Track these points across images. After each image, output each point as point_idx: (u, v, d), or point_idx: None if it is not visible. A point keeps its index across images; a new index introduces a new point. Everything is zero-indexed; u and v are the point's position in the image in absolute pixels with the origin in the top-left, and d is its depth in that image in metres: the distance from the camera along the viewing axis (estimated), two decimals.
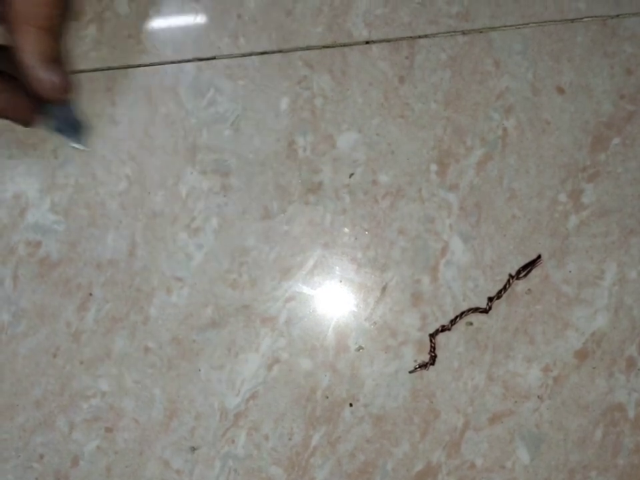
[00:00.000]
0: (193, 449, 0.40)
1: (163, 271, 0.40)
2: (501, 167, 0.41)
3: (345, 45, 0.41)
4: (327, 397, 0.40)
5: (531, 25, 0.41)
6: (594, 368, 0.40)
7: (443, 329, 0.39)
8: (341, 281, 0.41)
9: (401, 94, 0.41)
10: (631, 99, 0.41)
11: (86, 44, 0.41)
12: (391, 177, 0.41)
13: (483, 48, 0.41)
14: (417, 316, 0.40)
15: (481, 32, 0.41)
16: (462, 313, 0.40)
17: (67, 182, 0.41)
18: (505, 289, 0.40)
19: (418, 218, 0.41)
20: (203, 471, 0.40)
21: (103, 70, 0.41)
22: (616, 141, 0.41)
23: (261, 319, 0.40)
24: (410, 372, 0.39)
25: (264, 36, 0.41)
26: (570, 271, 0.40)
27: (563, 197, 0.41)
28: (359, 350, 0.40)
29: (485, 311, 0.39)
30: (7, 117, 0.32)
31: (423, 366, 0.39)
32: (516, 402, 0.40)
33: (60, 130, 0.32)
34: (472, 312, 0.39)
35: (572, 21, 0.41)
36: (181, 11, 0.41)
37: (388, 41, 0.41)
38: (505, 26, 0.41)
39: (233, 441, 0.40)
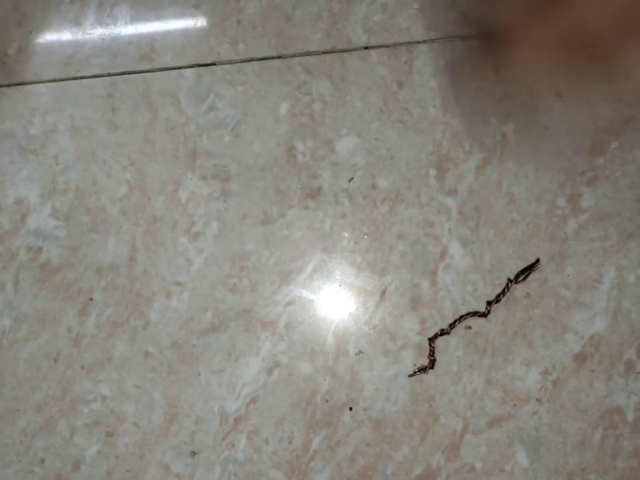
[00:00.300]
0: (193, 453, 0.40)
1: (163, 276, 0.41)
2: (500, 172, 0.41)
3: (344, 51, 0.41)
4: (327, 401, 0.40)
5: None
6: (593, 371, 0.40)
7: (442, 332, 0.40)
8: (340, 285, 0.41)
9: (400, 99, 0.41)
10: (629, 103, 0.41)
11: (86, 50, 0.42)
12: (390, 182, 0.41)
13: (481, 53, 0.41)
14: (416, 320, 0.40)
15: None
16: (461, 317, 0.40)
17: (67, 187, 0.41)
18: (503, 292, 0.40)
19: (417, 222, 0.41)
20: (203, 474, 0.40)
21: (104, 76, 0.41)
22: (614, 145, 0.41)
23: (261, 323, 0.40)
24: (409, 376, 0.39)
25: (263, 42, 0.41)
26: (569, 275, 0.41)
27: (561, 201, 0.41)
28: (358, 354, 0.40)
29: (484, 315, 0.39)
30: None
31: (423, 370, 0.39)
32: (515, 405, 0.40)
33: None
34: (471, 316, 0.39)
35: None
36: (181, 17, 0.42)
37: (387, 46, 0.41)
38: None
39: (233, 445, 0.40)
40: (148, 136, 0.41)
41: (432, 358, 0.40)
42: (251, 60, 0.41)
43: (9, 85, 0.42)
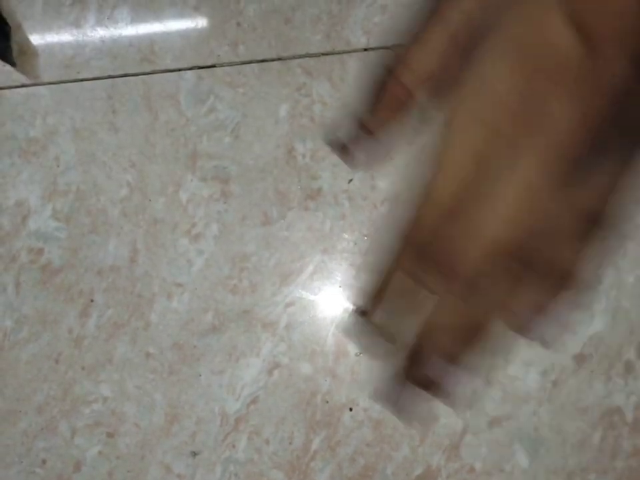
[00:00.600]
0: (194, 454, 0.40)
1: (164, 277, 0.41)
2: None
3: (343, 52, 0.42)
4: (327, 402, 0.40)
5: None
6: (592, 372, 0.40)
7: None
8: (340, 286, 0.41)
9: None
10: None
11: (87, 53, 0.42)
12: (389, 183, 0.41)
13: None
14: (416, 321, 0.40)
15: None
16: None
17: (68, 189, 0.41)
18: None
19: None
20: (204, 475, 0.40)
21: (104, 78, 0.42)
22: None
23: (262, 324, 0.40)
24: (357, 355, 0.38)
25: (263, 44, 0.42)
26: None
27: None
28: (358, 355, 0.40)
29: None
30: None
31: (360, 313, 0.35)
32: (515, 406, 0.40)
33: None
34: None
35: None
36: (181, 19, 0.42)
37: (386, 48, 0.42)
38: None
39: (234, 446, 0.40)
40: (148, 138, 0.41)
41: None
42: (251, 62, 0.42)
43: (9, 87, 0.42)
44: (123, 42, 0.42)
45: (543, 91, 0.17)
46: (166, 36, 0.42)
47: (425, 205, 0.21)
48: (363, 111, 0.22)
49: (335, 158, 0.41)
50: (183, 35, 0.42)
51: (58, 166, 0.41)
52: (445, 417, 0.40)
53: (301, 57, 0.42)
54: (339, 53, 0.42)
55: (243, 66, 0.42)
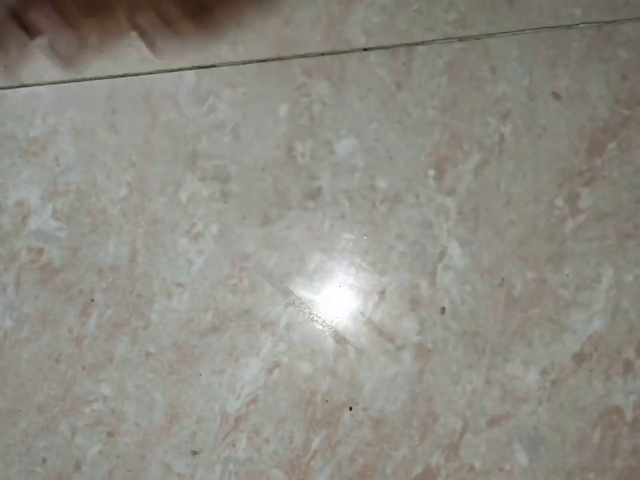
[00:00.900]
0: (194, 453, 0.40)
1: (164, 277, 0.41)
2: (498, 172, 0.41)
3: (342, 52, 0.42)
4: (327, 401, 0.40)
5: (527, 31, 0.42)
6: (591, 371, 0.40)
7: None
8: (340, 286, 0.41)
9: (399, 100, 0.41)
10: (626, 104, 0.42)
11: (87, 53, 0.42)
12: (389, 183, 0.41)
13: (480, 54, 0.42)
14: (416, 320, 0.41)
15: (477, 39, 0.42)
16: None
17: (68, 189, 0.41)
18: None
19: (416, 223, 0.41)
20: (204, 474, 0.40)
21: (104, 78, 0.42)
22: (612, 145, 0.41)
23: (261, 324, 0.40)
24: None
25: (263, 44, 0.42)
26: (567, 275, 0.41)
27: (559, 202, 0.41)
28: (358, 354, 0.40)
29: None
30: None
31: None
32: (514, 405, 0.40)
33: None
34: None
35: (568, 27, 0.42)
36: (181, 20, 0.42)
37: (385, 47, 0.42)
38: (501, 32, 0.42)
39: (234, 445, 0.40)
40: (148, 138, 0.41)
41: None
42: (251, 62, 0.42)
43: (10, 87, 0.42)
44: (123, 42, 0.42)
45: None
46: (165, 36, 0.42)
47: None
48: None
49: (334, 157, 0.41)
50: (183, 35, 0.42)
51: (58, 166, 0.41)
52: (445, 416, 0.40)
53: (300, 56, 0.42)
54: (338, 52, 0.42)
55: (243, 66, 0.42)
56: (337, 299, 0.41)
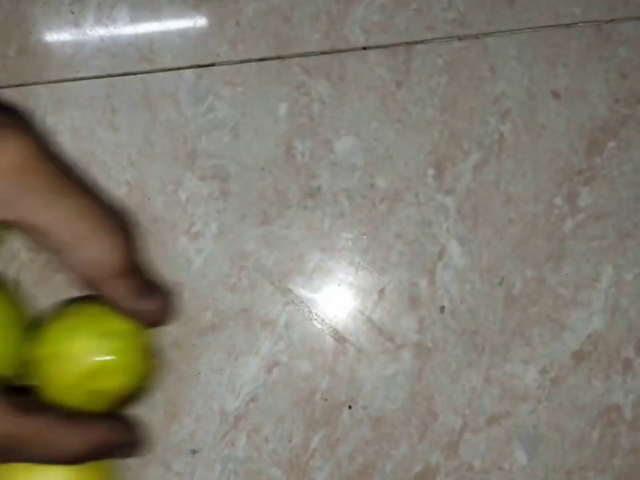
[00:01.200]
0: (194, 452, 0.40)
1: (163, 276, 0.41)
2: (498, 171, 0.41)
3: (342, 51, 0.42)
4: (326, 400, 0.40)
5: (526, 30, 0.42)
6: (591, 369, 0.40)
7: None
8: (339, 285, 0.41)
9: (398, 99, 0.41)
10: (625, 103, 0.42)
11: (86, 52, 0.42)
12: (388, 181, 0.41)
13: (479, 53, 0.42)
14: (415, 319, 0.41)
15: (476, 37, 0.42)
16: None
17: None
18: None
19: (415, 222, 0.41)
20: (204, 473, 0.40)
21: (103, 77, 0.42)
22: (611, 144, 0.41)
23: (261, 323, 0.40)
24: None
25: (262, 43, 0.42)
26: (566, 274, 0.41)
27: (559, 201, 0.41)
28: (357, 353, 0.40)
29: None
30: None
31: None
32: (513, 403, 0.40)
33: None
34: None
35: (567, 26, 0.42)
36: (180, 18, 0.42)
37: (385, 46, 0.42)
38: (501, 31, 0.42)
39: (233, 444, 0.40)
40: (147, 137, 0.41)
41: None
42: (250, 61, 0.42)
43: (9, 87, 0.42)
44: (122, 41, 0.42)
45: None
46: (165, 35, 0.42)
47: None
48: None
49: (334, 156, 0.41)
50: (182, 33, 0.42)
51: None
52: (444, 414, 0.40)
53: (299, 55, 0.42)
54: (337, 51, 0.42)
55: (242, 65, 0.42)
56: (337, 297, 0.41)
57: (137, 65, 0.42)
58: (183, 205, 0.41)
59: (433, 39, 0.42)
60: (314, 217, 0.41)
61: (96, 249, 0.28)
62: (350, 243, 0.41)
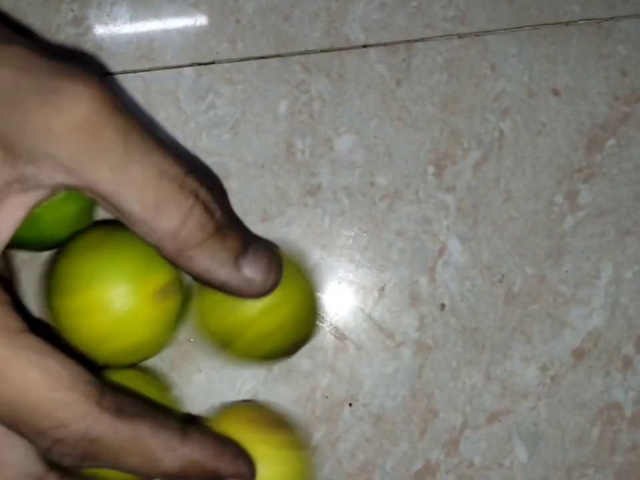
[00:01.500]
0: None
1: None
2: (498, 169, 0.41)
3: (342, 49, 0.42)
4: (327, 397, 0.40)
5: (526, 28, 0.42)
6: (591, 367, 0.40)
7: None
8: (339, 282, 0.41)
9: (398, 96, 0.41)
10: (625, 101, 0.42)
11: (86, 49, 0.42)
12: (388, 179, 0.41)
13: (479, 51, 0.42)
14: (415, 316, 0.41)
15: (476, 35, 0.42)
16: None
17: None
18: None
19: (415, 219, 0.41)
20: None
21: (103, 75, 0.42)
22: (611, 142, 0.41)
23: None
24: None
25: (262, 41, 0.42)
26: (566, 271, 0.41)
27: (559, 198, 0.41)
28: (358, 350, 0.41)
29: None
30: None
31: None
32: (514, 401, 0.40)
33: None
34: None
35: (567, 23, 0.42)
36: (180, 16, 0.42)
37: (385, 44, 0.42)
38: (501, 29, 0.42)
39: None
40: None
41: None
42: (250, 59, 0.42)
43: None
44: (122, 39, 0.42)
45: None
46: (165, 33, 0.42)
47: None
48: None
49: (334, 154, 0.41)
50: (182, 32, 0.42)
51: None
52: (444, 412, 0.40)
53: (299, 53, 0.42)
54: (337, 49, 0.42)
55: (242, 63, 0.42)
56: (337, 295, 0.41)
57: (136, 63, 0.42)
58: None
59: (433, 37, 0.42)
60: (314, 215, 0.41)
61: (182, 211, 0.23)
62: (350, 240, 0.41)
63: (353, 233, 0.41)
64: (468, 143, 0.41)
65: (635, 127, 0.42)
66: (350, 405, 0.40)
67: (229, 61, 0.42)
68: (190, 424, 0.25)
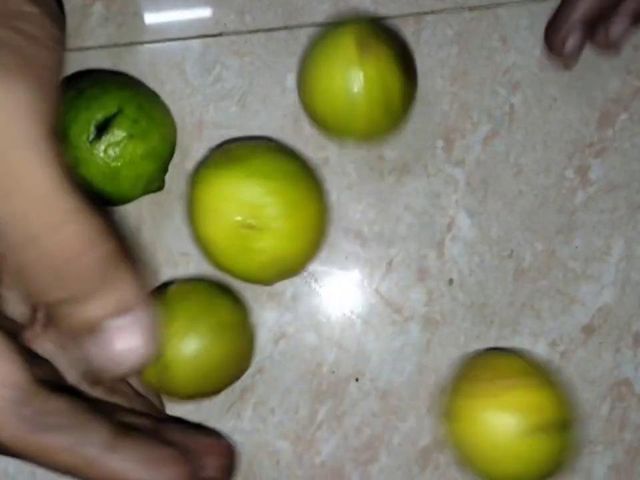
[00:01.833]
0: (200, 424, 0.40)
1: (170, 247, 0.41)
2: (508, 143, 0.41)
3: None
4: (333, 372, 0.40)
5: (537, 0, 0.41)
6: (600, 343, 0.40)
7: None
8: (346, 257, 0.41)
9: None
10: (638, 75, 0.41)
11: (92, 21, 0.41)
12: (397, 153, 0.41)
13: (490, 24, 0.41)
14: (423, 291, 0.40)
15: (487, 8, 0.41)
16: None
17: None
18: None
19: (424, 193, 0.41)
20: None
21: (110, 47, 0.41)
22: (623, 116, 0.41)
23: (267, 294, 0.40)
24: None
25: (270, 13, 0.41)
26: (577, 247, 0.40)
27: (570, 173, 0.41)
28: (364, 325, 0.40)
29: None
30: None
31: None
32: None
33: None
34: None
35: None
36: None
37: (394, 17, 0.41)
38: (512, 2, 0.41)
39: (239, 415, 0.40)
40: None
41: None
42: (258, 31, 0.41)
43: None
44: (129, 11, 0.41)
45: None
46: (172, 4, 0.41)
47: None
48: None
49: None
50: (190, 3, 0.41)
51: None
52: None
53: (307, 26, 0.41)
54: (346, 22, 0.41)
55: (250, 35, 0.41)
56: (344, 269, 0.41)
57: (143, 35, 0.41)
58: (190, 175, 0.41)
59: (443, 9, 0.41)
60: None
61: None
62: (358, 214, 0.41)
63: (360, 207, 0.41)
64: (478, 116, 0.41)
65: None
66: (357, 379, 0.40)
67: (237, 33, 0.41)
68: (135, 430, 0.23)
